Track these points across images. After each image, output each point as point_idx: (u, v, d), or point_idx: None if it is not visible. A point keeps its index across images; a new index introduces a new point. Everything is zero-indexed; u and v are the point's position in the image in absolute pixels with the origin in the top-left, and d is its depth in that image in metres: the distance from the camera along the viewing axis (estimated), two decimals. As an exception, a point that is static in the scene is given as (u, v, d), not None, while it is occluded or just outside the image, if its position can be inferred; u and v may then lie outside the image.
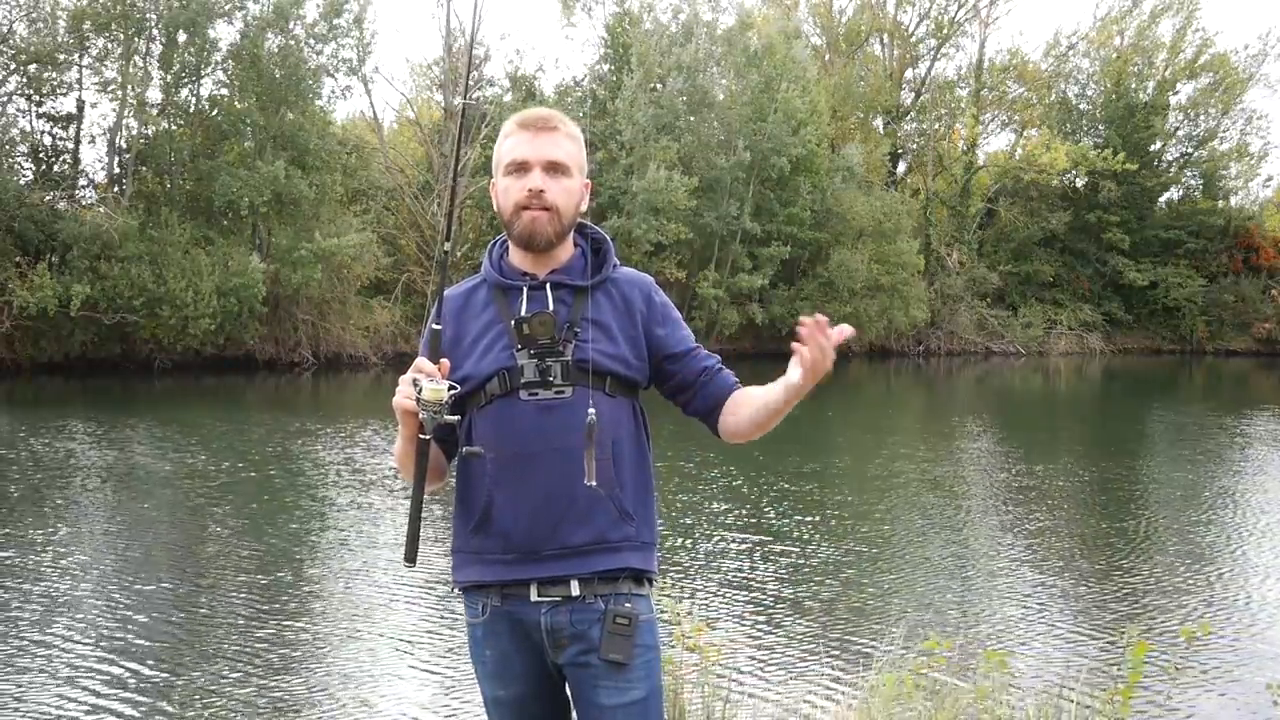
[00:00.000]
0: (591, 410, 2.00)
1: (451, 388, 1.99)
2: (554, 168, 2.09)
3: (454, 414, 2.03)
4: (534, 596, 2.06)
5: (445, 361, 2.03)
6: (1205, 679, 5.55)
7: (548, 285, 2.11)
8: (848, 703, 4.67)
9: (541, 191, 2.06)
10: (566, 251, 2.16)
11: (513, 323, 2.09)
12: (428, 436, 2.02)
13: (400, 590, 7.03)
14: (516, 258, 2.16)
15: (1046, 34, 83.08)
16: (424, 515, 2.08)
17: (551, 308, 2.09)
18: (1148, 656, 4.82)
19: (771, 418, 2.08)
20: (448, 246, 2.21)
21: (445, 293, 2.17)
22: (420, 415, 1.99)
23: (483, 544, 2.09)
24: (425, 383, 1.97)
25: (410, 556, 2.07)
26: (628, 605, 2.06)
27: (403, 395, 2.00)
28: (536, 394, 2.06)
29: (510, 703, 2.14)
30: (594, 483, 1.99)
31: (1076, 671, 5.46)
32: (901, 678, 3.86)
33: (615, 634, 2.03)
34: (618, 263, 2.21)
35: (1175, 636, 6.10)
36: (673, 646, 4.11)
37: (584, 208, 2.17)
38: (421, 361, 2.02)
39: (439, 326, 2.07)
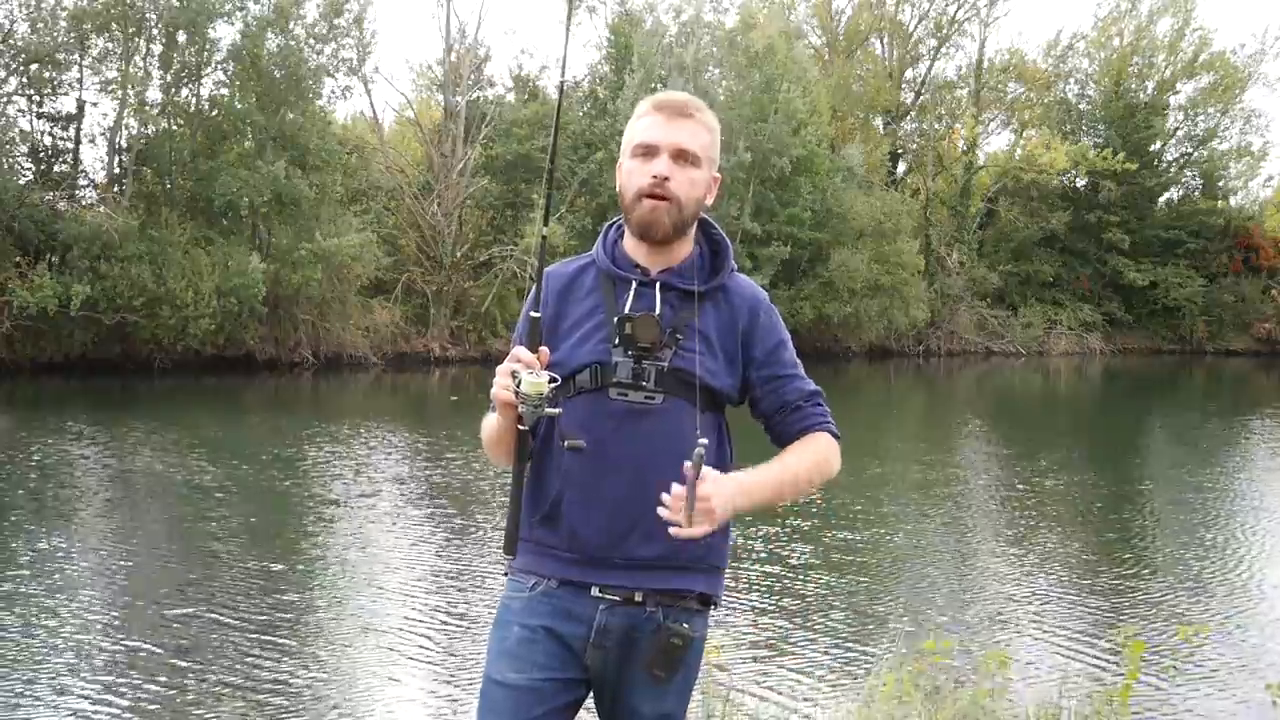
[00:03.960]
0: (703, 441, 1.85)
1: (552, 379, 1.89)
2: (683, 156, 1.99)
3: (554, 406, 1.94)
4: (595, 592, 1.98)
5: (544, 350, 1.93)
6: (1204, 679, 5.55)
7: (658, 284, 2.02)
8: (848, 703, 4.67)
9: (666, 179, 1.96)
10: (684, 249, 2.06)
11: (615, 319, 1.99)
12: (527, 429, 1.93)
13: (404, 592, 7.03)
14: (631, 246, 2.06)
15: (1046, 34, 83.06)
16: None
17: (659, 309, 2.00)
18: (1148, 656, 4.82)
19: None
20: (545, 231, 2.05)
21: (548, 270, 2.07)
22: (519, 409, 1.90)
23: (547, 536, 2.02)
24: (525, 375, 1.87)
25: (510, 549, 2.00)
26: (685, 626, 1.98)
27: (501, 387, 1.91)
28: (626, 395, 1.98)
29: (514, 688, 1.98)
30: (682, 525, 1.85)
31: (1076, 671, 5.47)
32: (901, 678, 3.86)
33: (664, 650, 1.97)
34: (735, 267, 2.11)
35: (1174, 636, 6.10)
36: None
37: (709, 202, 2.07)
38: (520, 351, 1.92)
39: (538, 314, 1.97)
